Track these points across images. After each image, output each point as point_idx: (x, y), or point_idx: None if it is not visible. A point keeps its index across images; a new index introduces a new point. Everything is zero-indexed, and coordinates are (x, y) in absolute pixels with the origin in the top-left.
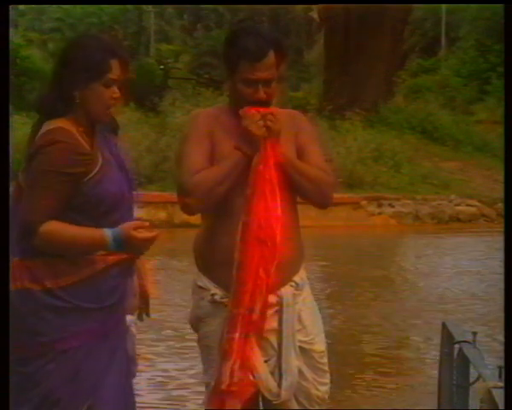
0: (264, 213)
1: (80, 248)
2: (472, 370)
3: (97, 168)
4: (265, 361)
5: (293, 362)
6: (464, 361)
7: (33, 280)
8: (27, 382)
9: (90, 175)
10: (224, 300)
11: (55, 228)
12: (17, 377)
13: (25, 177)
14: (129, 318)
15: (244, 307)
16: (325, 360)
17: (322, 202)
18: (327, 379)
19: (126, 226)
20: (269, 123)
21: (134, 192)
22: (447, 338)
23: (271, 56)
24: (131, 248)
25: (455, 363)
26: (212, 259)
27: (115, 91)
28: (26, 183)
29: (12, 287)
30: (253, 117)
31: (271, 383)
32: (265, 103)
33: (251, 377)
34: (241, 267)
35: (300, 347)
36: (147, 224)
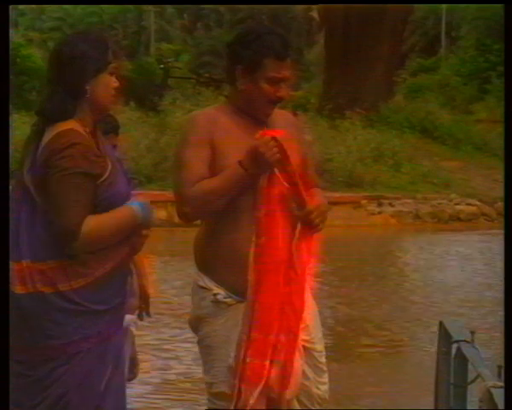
0: (280, 234)
1: (118, 232)
2: (470, 370)
3: (109, 170)
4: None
5: (297, 361)
6: (462, 360)
7: (46, 283)
8: (36, 385)
9: (104, 177)
10: (227, 300)
11: (94, 224)
12: (25, 381)
13: (34, 180)
14: (129, 317)
15: (271, 333)
16: (324, 359)
17: None
18: (326, 379)
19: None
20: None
21: (132, 192)
22: (445, 337)
23: (290, 60)
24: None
25: (452, 362)
26: (215, 258)
27: (115, 80)
28: (51, 189)
29: (23, 290)
30: (267, 143)
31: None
32: (281, 101)
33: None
34: (262, 291)
35: (303, 346)
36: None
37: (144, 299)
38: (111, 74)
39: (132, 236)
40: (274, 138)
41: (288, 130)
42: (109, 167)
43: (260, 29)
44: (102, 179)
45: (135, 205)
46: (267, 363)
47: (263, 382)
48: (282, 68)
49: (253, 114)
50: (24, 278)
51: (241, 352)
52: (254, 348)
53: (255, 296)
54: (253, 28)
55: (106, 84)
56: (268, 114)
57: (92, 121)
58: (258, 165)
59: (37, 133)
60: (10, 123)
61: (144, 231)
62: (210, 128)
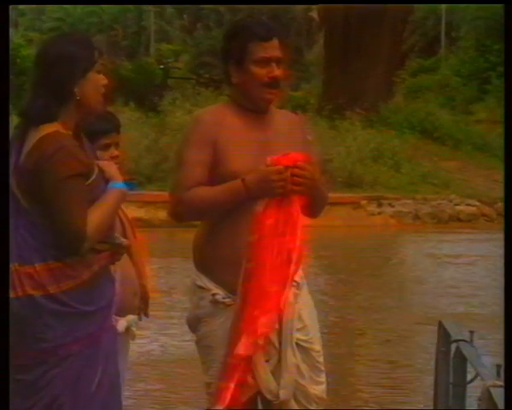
0: (268, 261)
1: (114, 216)
2: (469, 369)
3: (95, 173)
4: (266, 361)
5: (291, 360)
6: (461, 360)
7: (35, 286)
8: (28, 389)
9: (91, 179)
10: (226, 300)
11: (95, 219)
12: (17, 385)
13: (18, 184)
14: (131, 317)
15: (244, 358)
16: (322, 359)
17: (318, 215)
18: (323, 378)
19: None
20: (296, 179)
21: None
22: (444, 336)
23: (277, 41)
24: None
25: (451, 361)
26: (214, 258)
27: (103, 77)
28: (47, 196)
29: (13, 294)
30: (280, 173)
31: (272, 383)
32: (278, 84)
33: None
34: (244, 316)
35: (300, 345)
36: None
37: (144, 299)
38: (98, 72)
39: (114, 240)
40: (287, 168)
41: (291, 130)
42: (96, 170)
43: (242, 21)
44: (89, 181)
45: (120, 186)
46: (231, 386)
47: (225, 404)
48: (268, 49)
49: (253, 105)
50: (13, 281)
51: (220, 373)
52: (225, 372)
53: (238, 323)
54: (235, 22)
55: (95, 83)
56: (266, 100)
57: (74, 124)
58: (262, 190)
59: (20, 135)
60: (10, 123)
61: (124, 241)
62: (214, 129)
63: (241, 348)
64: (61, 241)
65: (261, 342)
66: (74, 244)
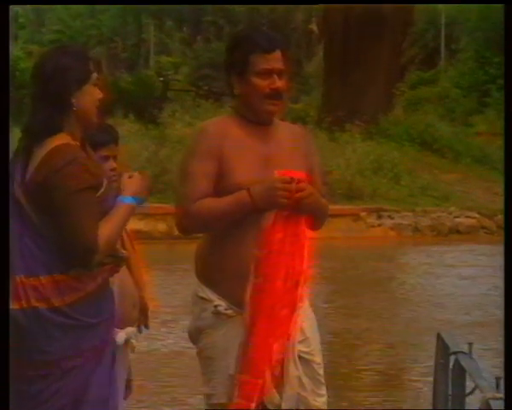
0: (277, 276)
1: (122, 230)
2: (468, 382)
3: (105, 185)
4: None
5: (293, 372)
6: (460, 371)
7: (40, 298)
8: (31, 401)
9: (101, 191)
10: (228, 311)
11: (106, 232)
12: (20, 397)
13: (27, 197)
14: (130, 330)
15: (261, 377)
16: (322, 371)
17: (320, 228)
18: (324, 391)
19: None
20: (301, 194)
21: None
22: (442, 348)
23: (279, 53)
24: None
25: (450, 373)
26: (217, 269)
27: (99, 92)
28: (58, 209)
29: (17, 306)
30: (285, 183)
31: (275, 396)
32: (280, 95)
33: None
34: (255, 333)
35: (302, 357)
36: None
37: (143, 311)
38: (94, 85)
39: (117, 253)
40: (293, 179)
41: (294, 143)
42: (105, 182)
43: (243, 31)
44: (99, 193)
45: (129, 201)
46: (253, 405)
47: None
48: (270, 60)
49: (256, 117)
50: (18, 293)
51: (234, 391)
52: (244, 391)
53: (248, 338)
54: (238, 33)
55: (90, 96)
56: (269, 112)
57: (79, 135)
58: (267, 199)
59: (25, 150)
60: (10, 137)
61: (125, 253)
62: (219, 140)
63: (258, 375)
64: (72, 254)
65: (277, 370)
66: (86, 257)
